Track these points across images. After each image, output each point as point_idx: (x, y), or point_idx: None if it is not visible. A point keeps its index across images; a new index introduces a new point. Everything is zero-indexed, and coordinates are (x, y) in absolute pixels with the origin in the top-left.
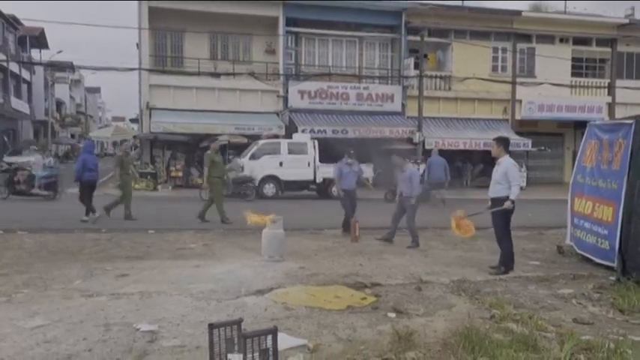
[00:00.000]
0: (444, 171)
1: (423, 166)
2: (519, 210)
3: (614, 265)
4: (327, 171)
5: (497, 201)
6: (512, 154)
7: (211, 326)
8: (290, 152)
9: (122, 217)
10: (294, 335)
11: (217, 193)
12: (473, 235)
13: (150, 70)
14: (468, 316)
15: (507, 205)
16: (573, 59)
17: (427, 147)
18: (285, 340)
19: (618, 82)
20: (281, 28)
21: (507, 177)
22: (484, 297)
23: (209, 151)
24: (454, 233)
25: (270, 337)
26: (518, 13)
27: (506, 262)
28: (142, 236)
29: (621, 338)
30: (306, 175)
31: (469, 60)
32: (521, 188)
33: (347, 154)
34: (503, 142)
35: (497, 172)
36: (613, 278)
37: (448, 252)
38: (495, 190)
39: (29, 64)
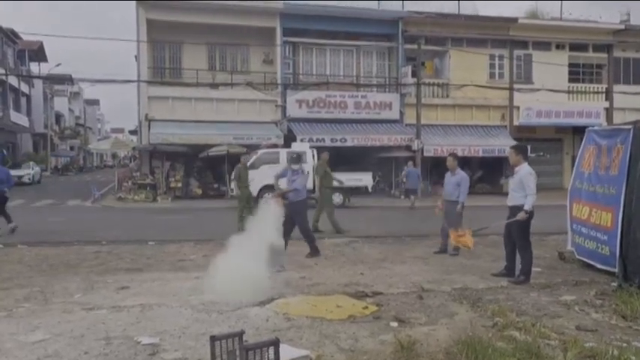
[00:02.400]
0: (418, 179)
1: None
2: None
3: (616, 270)
4: None
5: (514, 209)
6: None
7: (213, 338)
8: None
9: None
10: (296, 346)
11: (329, 203)
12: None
13: (148, 82)
14: (470, 325)
15: (521, 216)
16: (570, 65)
17: (426, 154)
18: (287, 352)
19: (615, 87)
20: (278, 38)
21: (523, 185)
22: (486, 305)
23: (320, 161)
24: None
25: (272, 349)
26: (514, 20)
27: (527, 272)
28: (142, 248)
29: (625, 345)
30: None
31: (466, 67)
32: None
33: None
34: (521, 149)
35: (514, 180)
36: (615, 284)
37: (449, 259)
38: (512, 198)
39: (28, 78)
